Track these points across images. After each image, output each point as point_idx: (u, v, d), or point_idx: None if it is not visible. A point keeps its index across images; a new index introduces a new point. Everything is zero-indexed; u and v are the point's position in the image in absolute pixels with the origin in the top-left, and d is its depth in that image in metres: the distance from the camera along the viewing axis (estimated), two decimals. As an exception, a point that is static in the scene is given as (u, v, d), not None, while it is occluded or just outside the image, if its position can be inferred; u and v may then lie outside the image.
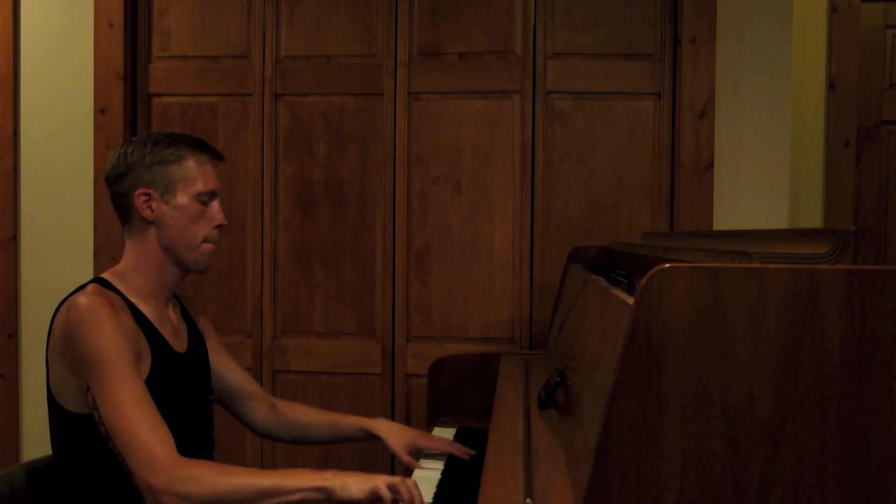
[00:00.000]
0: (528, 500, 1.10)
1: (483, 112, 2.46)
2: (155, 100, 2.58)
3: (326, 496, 1.27)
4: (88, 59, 2.54)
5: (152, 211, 1.46)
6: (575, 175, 2.44)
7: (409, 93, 2.48)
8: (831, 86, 2.70)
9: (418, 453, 1.68)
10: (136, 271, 1.49)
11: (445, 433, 1.91)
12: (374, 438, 1.70)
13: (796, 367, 0.84)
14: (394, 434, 1.67)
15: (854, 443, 0.84)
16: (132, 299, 1.46)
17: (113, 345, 1.32)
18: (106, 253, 2.48)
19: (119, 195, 1.49)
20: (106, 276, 1.48)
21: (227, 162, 2.54)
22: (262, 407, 1.74)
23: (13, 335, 2.57)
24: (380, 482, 1.27)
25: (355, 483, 1.27)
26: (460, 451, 1.67)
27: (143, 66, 2.58)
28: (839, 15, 2.70)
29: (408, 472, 1.61)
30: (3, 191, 2.56)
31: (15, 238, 2.57)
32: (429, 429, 2.02)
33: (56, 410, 1.40)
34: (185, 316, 1.62)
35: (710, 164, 2.35)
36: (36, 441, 2.56)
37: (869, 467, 0.84)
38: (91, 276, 1.99)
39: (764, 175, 2.37)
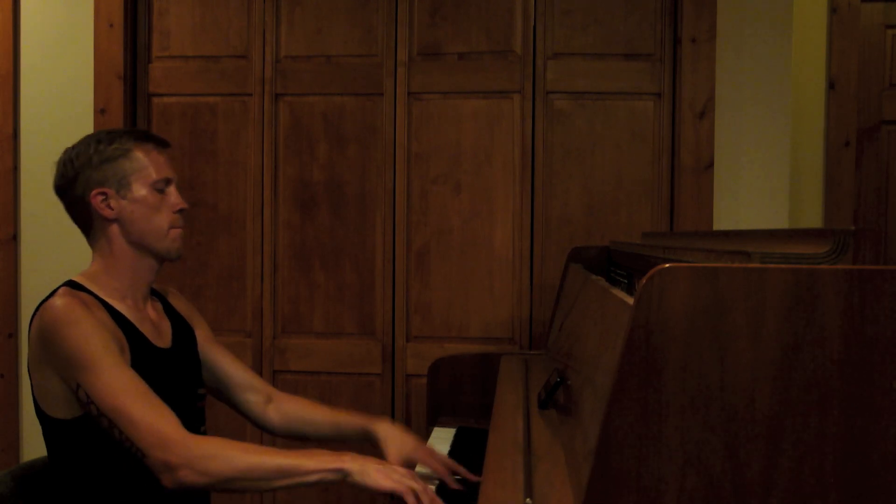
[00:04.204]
0: (528, 500, 1.10)
1: (483, 112, 2.46)
2: (155, 100, 2.58)
3: (343, 478, 1.25)
4: (88, 59, 2.54)
5: (111, 209, 1.43)
6: (575, 175, 2.44)
7: (409, 93, 2.48)
8: (831, 86, 2.70)
9: (412, 466, 1.55)
10: (107, 273, 1.46)
11: (445, 433, 1.91)
12: (372, 442, 1.61)
13: (796, 367, 0.84)
14: (392, 441, 1.56)
15: (854, 443, 0.84)
16: (106, 299, 1.43)
17: (95, 339, 1.31)
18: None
19: (74, 202, 1.46)
20: (78, 279, 1.45)
21: (227, 162, 2.55)
22: (260, 399, 1.68)
23: (13, 335, 2.57)
24: (401, 480, 1.24)
25: (376, 472, 1.25)
26: (455, 477, 1.50)
27: (143, 66, 2.58)
28: (839, 15, 2.70)
29: (409, 468, 1.60)
30: (3, 191, 2.56)
31: (15, 238, 2.57)
32: (428, 429, 2.02)
33: (43, 419, 1.39)
34: (169, 311, 1.59)
35: (710, 164, 2.35)
36: (36, 441, 2.56)
37: (869, 467, 0.84)
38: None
39: (764, 175, 2.37)
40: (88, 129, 2.52)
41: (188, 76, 2.56)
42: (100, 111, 2.52)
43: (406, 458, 1.53)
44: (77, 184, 1.44)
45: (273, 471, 1.25)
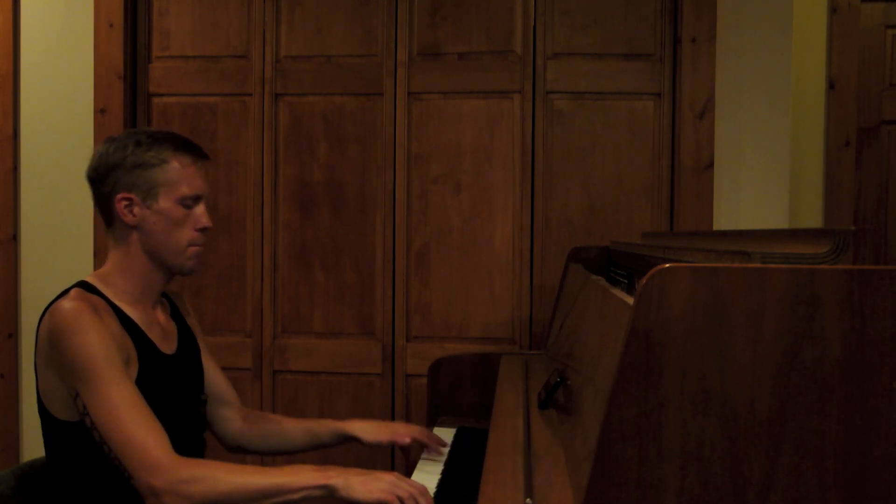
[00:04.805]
0: (528, 500, 1.10)
1: (483, 112, 2.46)
2: (155, 100, 2.58)
3: (328, 494, 1.27)
4: (88, 59, 2.54)
5: (134, 216, 1.42)
6: (575, 175, 2.44)
7: (409, 93, 2.48)
8: (831, 86, 2.70)
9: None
10: (121, 275, 1.45)
11: (445, 433, 1.91)
12: (349, 440, 1.67)
13: (796, 367, 0.84)
14: (369, 431, 1.65)
15: (854, 443, 0.84)
16: (117, 303, 1.42)
17: (100, 350, 1.30)
18: (106, 253, 2.47)
19: (101, 197, 1.44)
20: (90, 279, 1.44)
21: (227, 162, 2.55)
22: (236, 417, 1.69)
23: (13, 335, 2.57)
24: (386, 488, 1.25)
25: (360, 484, 1.26)
26: (434, 441, 1.69)
27: (143, 66, 2.58)
28: (839, 15, 2.70)
29: (409, 468, 1.61)
30: (3, 191, 2.56)
31: (15, 238, 2.57)
32: (429, 429, 2.01)
33: (46, 417, 1.39)
34: (175, 315, 1.59)
35: (710, 164, 2.35)
36: (36, 441, 2.56)
37: (869, 467, 0.84)
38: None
39: (764, 175, 2.37)
40: (88, 129, 2.53)
41: (188, 76, 2.56)
42: (100, 111, 2.52)
43: (388, 439, 1.65)
44: (107, 181, 1.42)
45: (258, 491, 1.25)
